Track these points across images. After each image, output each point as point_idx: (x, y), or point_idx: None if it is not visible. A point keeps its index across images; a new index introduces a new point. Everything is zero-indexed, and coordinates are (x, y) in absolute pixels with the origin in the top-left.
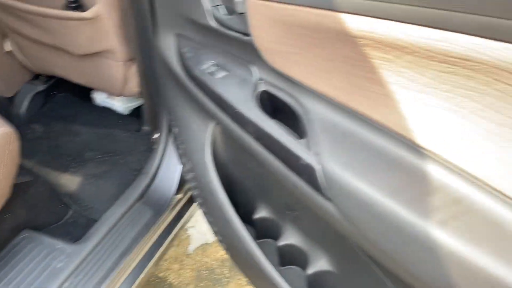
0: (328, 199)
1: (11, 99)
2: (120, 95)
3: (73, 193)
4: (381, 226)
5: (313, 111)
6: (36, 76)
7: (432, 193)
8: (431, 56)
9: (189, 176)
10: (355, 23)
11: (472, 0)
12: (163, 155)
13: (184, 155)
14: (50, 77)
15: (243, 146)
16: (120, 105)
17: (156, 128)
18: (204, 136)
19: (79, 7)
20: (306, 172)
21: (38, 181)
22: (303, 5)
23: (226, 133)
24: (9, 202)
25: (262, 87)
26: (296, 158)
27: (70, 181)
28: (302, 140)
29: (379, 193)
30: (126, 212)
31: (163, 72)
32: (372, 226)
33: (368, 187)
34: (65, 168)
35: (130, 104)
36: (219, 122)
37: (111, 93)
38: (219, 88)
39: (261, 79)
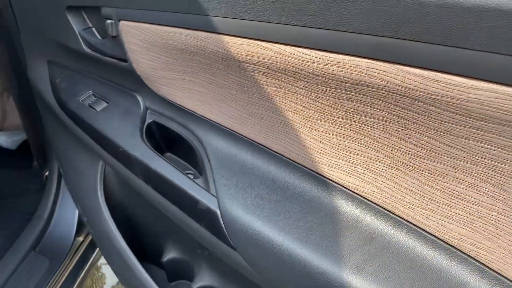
0: (233, 248)
1: None
2: (0, 130)
3: None
4: (291, 277)
5: (208, 144)
6: None
7: (343, 233)
8: (324, 81)
9: (82, 218)
10: (241, 47)
11: (360, 19)
12: (57, 194)
13: (73, 198)
14: None
15: (134, 188)
16: (5, 140)
17: (46, 164)
18: (93, 177)
19: None
20: (207, 218)
21: None
22: (181, 27)
23: (117, 172)
24: None
25: (150, 118)
26: (194, 201)
27: None
28: (199, 179)
29: (285, 238)
30: (18, 266)
31: (39, 105)
32: (282, 277)
33: (274, 232)
34: None
35: (17, 138)
36: (105, 160)
37: None
38: (99, 123)
39: (148, 109)
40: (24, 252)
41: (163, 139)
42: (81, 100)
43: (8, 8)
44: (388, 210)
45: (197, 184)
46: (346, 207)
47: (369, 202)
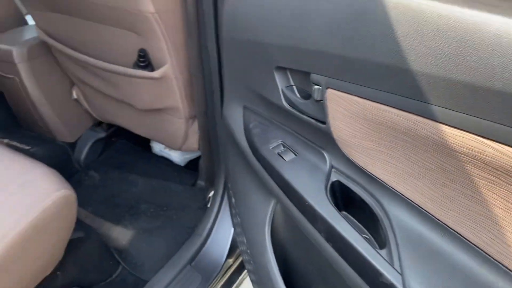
0: None
1: (72, 145)
2: (178, 149)
3: (124, 248)
4: None
5: (396, 217)
6: (98, 123)
7: None
8: None
9: (242, 247)
10: (459, 139)
11: None
12: (216, 216)
13: (238, 226)
14: (111, 125)
15: (309, 239)
16: (177, 156)
17: (211, 185)
18: (263, 213)
19: (148, 66)
20: None
21: (90, 236)
22: (393, 107)
23: (289, 215)
24: (62, 259)
25: (335, 177)
26: (376, 273)
27: (121, 235)
28: (383, 251)
29: None
30: (175, 277)
31: (226, 140)
32: None
33: None
34: (118, 221)
35: (186, 156)
36: (281, 203)
37: (170, 147)
38: (287, 173)
39: (333, 167)
40: (182, 265)
41: (343, 199)
42: (272, 148)
43: (215, 53)
44: None
45: (381, 256)
46: None
47: None
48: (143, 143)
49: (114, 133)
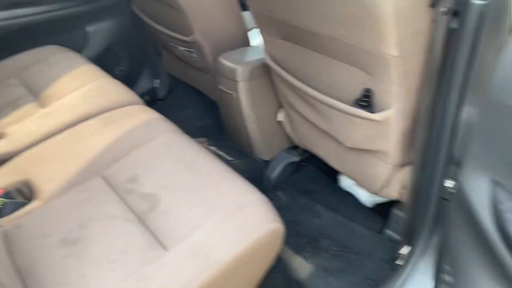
0: None
1: (267, 162)
2: (374, 193)
3: (302, 282)
4: None
5: None
6: (294, 147)
7: None
8: None
9: None
10: None
11: None
12: (408, 276)
13: None
14: (305, 150)
15: None
16: (365, 197)
17: (407, 242)
18: None
19: (369, 106)
20: None
21: (280, 265)
22: None
23: None
24: None
25: None
26: None
27: (301, 267)
28: None
29: None
30: None
31: (456, 208)
32: None
33: None
34: (299, 251)
35: (375, 198)
36: None
37: (365, 188)
38: None
39: None
40: None
41: None
42: None
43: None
44: None
45: None
46: None
47: None
48: (331, 174)
49: (306, 159)
